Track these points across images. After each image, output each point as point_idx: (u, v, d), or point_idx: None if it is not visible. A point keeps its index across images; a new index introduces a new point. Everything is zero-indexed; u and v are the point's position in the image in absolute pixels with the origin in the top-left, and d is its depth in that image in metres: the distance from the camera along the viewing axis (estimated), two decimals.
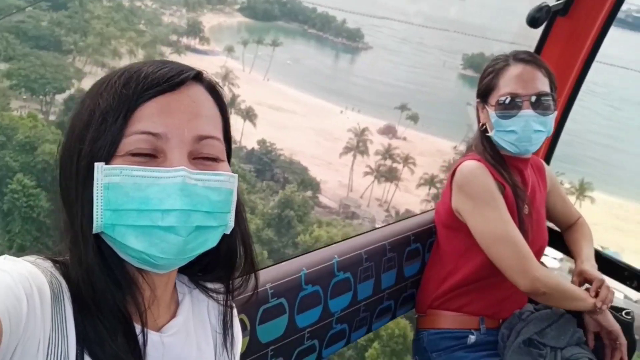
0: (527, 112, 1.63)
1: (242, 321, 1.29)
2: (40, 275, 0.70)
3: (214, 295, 0.93)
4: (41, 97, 43.55)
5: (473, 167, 1.68)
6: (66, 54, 48.70)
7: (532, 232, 1.72)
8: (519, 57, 1.70)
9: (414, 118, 54.75)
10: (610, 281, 1.77)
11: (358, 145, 46.70)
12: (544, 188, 1.87)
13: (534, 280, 1.58)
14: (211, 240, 0.79)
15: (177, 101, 0.76)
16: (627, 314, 1.74)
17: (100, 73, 50.11)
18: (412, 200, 43.33)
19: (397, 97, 58.28)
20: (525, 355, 1.66)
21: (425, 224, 1.92)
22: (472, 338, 1.72)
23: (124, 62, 52.69)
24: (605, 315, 1.65)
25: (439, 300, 1.80)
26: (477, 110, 1.78)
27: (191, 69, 0.81)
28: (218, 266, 0.89)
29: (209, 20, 73.59)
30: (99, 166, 0.72)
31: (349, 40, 76.77)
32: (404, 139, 54.89)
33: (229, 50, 62.95)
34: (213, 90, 0.83)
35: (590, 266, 1.76)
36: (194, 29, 64.87)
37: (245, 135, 46.39)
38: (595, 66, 2.20)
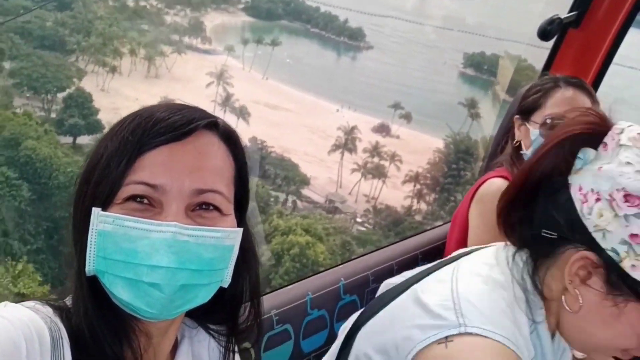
0: None
1: (247, 351, 1.27)
2: (40, 322, 0.70)
3: (217, 336, 0.91)
4: (42, 95, 43.60)
5: (499, 187, 1.64)
6: (69, 53, 48.86)
7: None
8: (570, 81, 1.68)
9: (407, 117, 55.20)
10: None
11: (346, 143, 46.98)
12: None
13: None
14: (202, 297, 0.76)
15: (182, 151, 0.74)
16: None
17: (101, 72, 50.93)
18: (399, 195, 43.91)
19: (395, 95, 58.27)
20: None
21: (432, 242, 1.89)
22: None
23: (125, 61, 53.23)
24: None
25: None
26: (514, 126, 1.75)
27: (205, 116, 0.78)
28: (222, 310, 0.87)
29: (213, 19, 73.40)
30: (95, 211, 0.72)
31: (350, 39, 76.54)
32: (397, 137, 54.94)
33: (229, 49, 62.88)
34: (229, 138, 0.81)
35: None
36: (196, 29, 64.80)
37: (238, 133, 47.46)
38: None
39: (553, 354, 0.93)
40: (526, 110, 1.71)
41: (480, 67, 67.29)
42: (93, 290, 0.74)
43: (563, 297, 0.87)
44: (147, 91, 49.74)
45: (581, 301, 0.84)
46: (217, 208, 0.76)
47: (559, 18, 1.89)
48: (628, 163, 0.79)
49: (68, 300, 0.77)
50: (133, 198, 0.73)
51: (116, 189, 0.73)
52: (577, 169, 0.85)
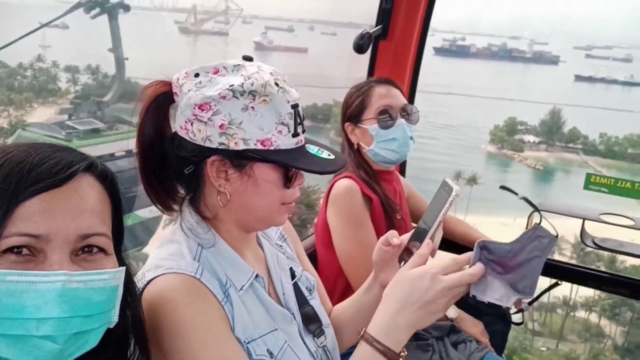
0: (401, 121, 1.85)
1: None
2: None
3: None
4: None
5: (345, 186, 1.81)
6: None
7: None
8: (380, 80, 1.93)
9: None
10: None
11: None
12: (404, 194, 2.09)
13: None
14: (92, 342, 0.72)
15: (63, 198, 0.70)
16: None
17: None
18: None
19: None
20: (415, 349, 1.78)
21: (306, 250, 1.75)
22: None
23: None
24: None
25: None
26: (346, 134, 1.93)
27: (82, 159, 0.75)
28: (107, 350, 0.80)
29: (42, 114, 69.50)
30: None
31: None
32: None
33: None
34: (105, 178, 0.79)
35: None
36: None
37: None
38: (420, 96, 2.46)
39: (255, 256, 1.16)
40: (354, 115, 1.88)
41: (316, 117, 70.80)
42: None
43: (218, 198, 1.03)
44: None
45: (229, 193, 1.02)
46: (101, 249, 0.74)
47: (368, 32, 2.10)
48: (189, 90, 0.99)
49: None
50: (11, 250, 0.67)
51: None
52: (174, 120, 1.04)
